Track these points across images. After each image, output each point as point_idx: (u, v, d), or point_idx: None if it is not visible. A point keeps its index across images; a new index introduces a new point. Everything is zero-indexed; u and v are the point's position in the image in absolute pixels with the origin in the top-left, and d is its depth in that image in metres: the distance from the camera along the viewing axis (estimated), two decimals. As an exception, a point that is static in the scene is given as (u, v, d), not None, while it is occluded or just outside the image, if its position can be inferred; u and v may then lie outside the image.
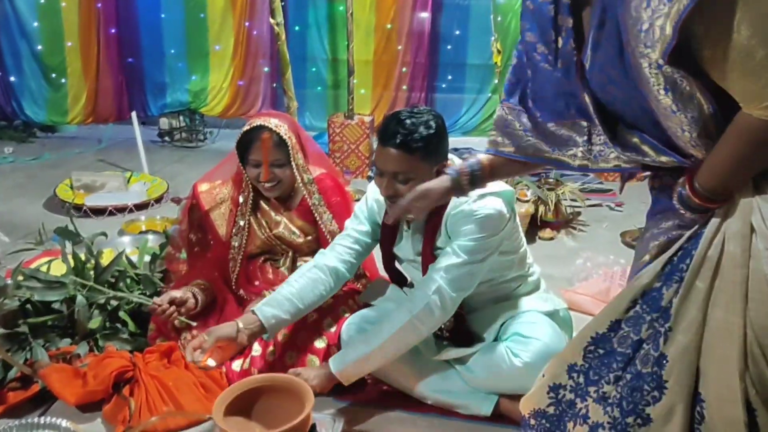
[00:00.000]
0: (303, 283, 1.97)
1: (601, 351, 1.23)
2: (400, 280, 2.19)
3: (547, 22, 1.21)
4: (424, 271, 1.94)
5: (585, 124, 1.26)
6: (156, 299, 2.15)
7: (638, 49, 1.03)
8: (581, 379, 1.25)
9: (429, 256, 1.92)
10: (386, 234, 2.05)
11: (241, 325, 1.88)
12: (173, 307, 2.11)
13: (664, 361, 1.13)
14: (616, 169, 1.26)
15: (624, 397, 1.18)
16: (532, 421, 1.34)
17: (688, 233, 1.15)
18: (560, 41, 1.22)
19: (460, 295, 1.85)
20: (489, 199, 1.82)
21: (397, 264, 2.13)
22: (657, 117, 1.12)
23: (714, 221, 1.11)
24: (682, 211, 1.16)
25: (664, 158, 1.16)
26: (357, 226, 2.08)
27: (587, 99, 1.21)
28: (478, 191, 1.75)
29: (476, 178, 1.53)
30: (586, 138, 1.27)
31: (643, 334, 1.17)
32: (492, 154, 1.48)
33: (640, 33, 1.01)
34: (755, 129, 1.01)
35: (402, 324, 1.83)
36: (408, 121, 1.74)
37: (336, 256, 2.04)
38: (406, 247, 2.02)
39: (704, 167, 1.11)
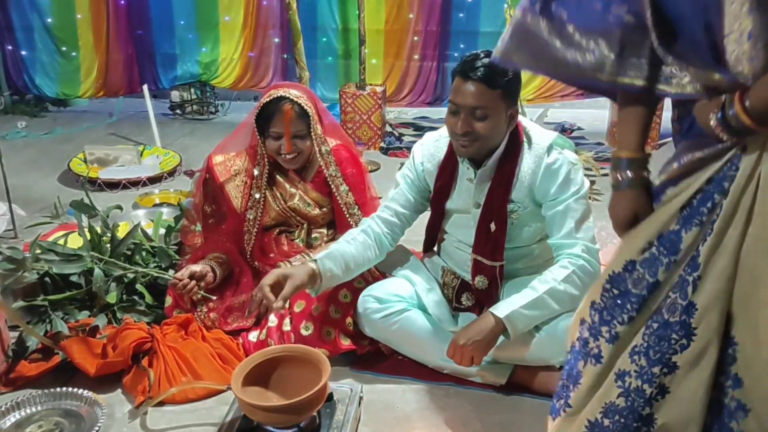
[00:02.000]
0: (356, 245, 1.98)
1: (615, 291, 1.22)
2: (431, 242, 2.19)
3: None
4: (482, 221, 1.94)
5: (619, 34, 1.14)
6: (176, 274, 2.16)
7: None
8: (596, 318, 1.26)
9: (498, 206, 1.91)
10: (442, 188, 2.02)
11: (314, 266, 1.85)
12: (193, 282, 2.13)
13: (693, 310, 1.11)
14: (640, 89, 1.15)
15: (651, 346, 1.17)
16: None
17: (706, 175, 1.11)
18: None
19: (597, 247, 1.90)
20: (565, 152, 1.90)
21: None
22: (715, 19, 1.02)
23: (746, 164, 1.06)
24: (721, 135, 1.07)
25: (714, 75, 1.06)
26: (401, 196, 2.07)
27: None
28: (545, 144, 1.86)
29: None
30: (617, 52, 1.16)
31: (660, 276, 1.15)
32: (497, 63, 1.34)
33: None
34: None
35: (564, 275, 1.83)
36: (490, 59, 1.76)
37: (382, 224, 2.04)
38: (463, 198, 2.00)
39: (762, 85, 1.00)
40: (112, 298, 2.22)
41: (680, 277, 1.14)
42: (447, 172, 2.00)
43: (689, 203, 1.13)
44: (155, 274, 2.30)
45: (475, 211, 1.96)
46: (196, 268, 2.16)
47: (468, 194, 1.97)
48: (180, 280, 2.12)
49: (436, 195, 2.04)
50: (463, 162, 1.95)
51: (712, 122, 1.07)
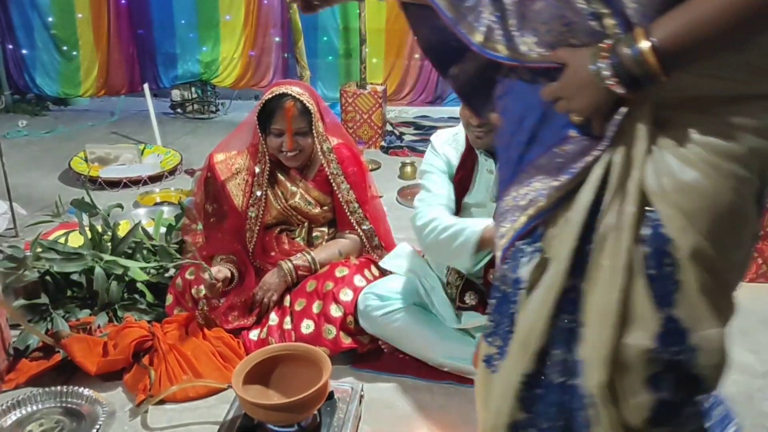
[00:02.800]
0: None
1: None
2: None
3: None
4: (499, 216, 1.94)
5: None
6: (215, 275, 2.12)
7: None
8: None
9: None
10: (461, 181, 2.03)
11: None
12: (220, 284, 2.13)
13: (581, 368, 0.97)
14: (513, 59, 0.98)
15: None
16: None
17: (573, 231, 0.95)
18: None
19: None
20: None
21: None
22: None
23: (609, 194, 0.92)
24: (616, 88, 0.87)
25: (601, 9, 0.88)
26: (443, 190, 2.04)
27: None
28: None
29: None
30: None
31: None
32: None
33: None
34: None
35: None
36: None
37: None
38: (481, 192, 2.01)
39: (675, 16, 0.83)
40: (117, 293, 2.22)
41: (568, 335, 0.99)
42: (468, 165, 2.01)
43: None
44: (206, 270, 2.25)
45: (492, 205, 1.97)
46: (227, 272, 2.17)
47: (487, 187, 1.98)
48: (218, 281, 2.10)
49: (457, 187, 2.05)
50: (481, 153, 1.97)
51: (605, 71, 0.87)
